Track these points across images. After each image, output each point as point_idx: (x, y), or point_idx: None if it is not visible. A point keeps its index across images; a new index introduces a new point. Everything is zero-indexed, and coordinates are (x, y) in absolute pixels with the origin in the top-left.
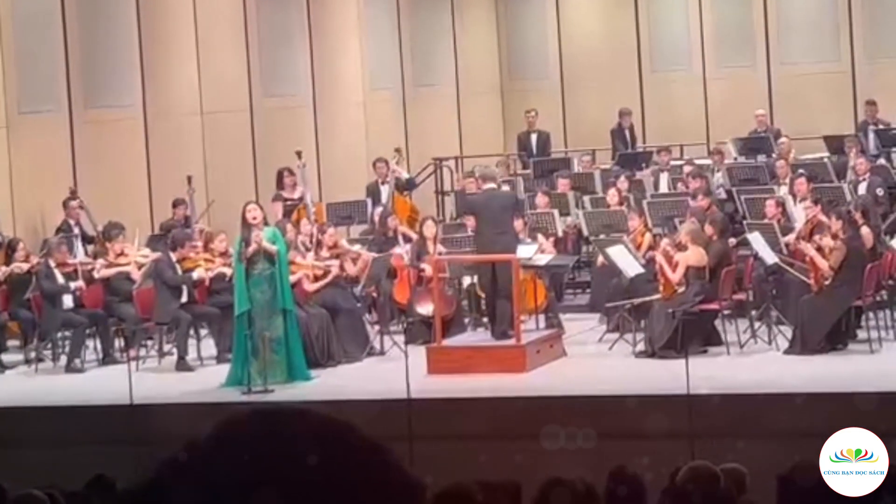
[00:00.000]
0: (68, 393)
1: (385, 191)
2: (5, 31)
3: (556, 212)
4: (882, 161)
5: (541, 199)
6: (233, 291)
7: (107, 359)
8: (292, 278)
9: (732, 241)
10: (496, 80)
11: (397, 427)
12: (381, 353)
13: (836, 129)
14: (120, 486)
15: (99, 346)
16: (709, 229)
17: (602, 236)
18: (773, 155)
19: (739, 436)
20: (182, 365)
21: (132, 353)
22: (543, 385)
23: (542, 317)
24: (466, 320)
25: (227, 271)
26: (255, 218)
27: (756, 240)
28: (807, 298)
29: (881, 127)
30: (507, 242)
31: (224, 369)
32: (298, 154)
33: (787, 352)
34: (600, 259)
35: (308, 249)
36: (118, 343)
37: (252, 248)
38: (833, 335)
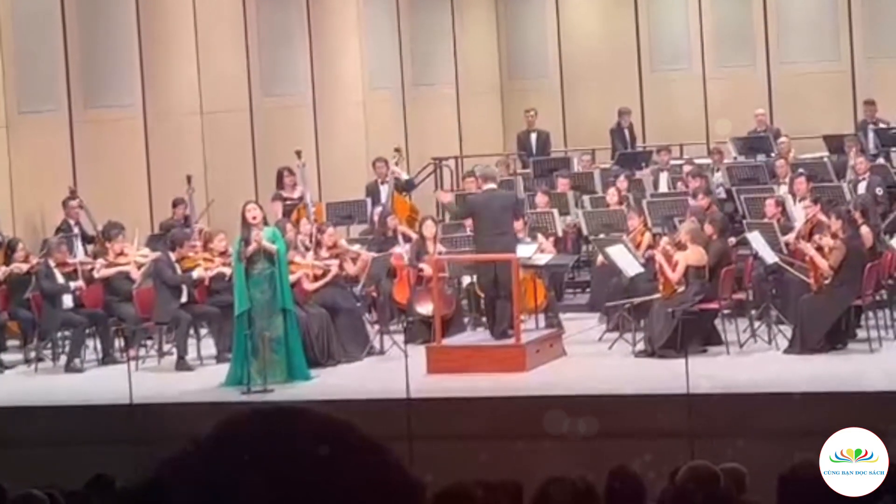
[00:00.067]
0: (68, 393)
1: (385, 190)
2: (5, 31)
3: (555, 211)
4: (881, 160)
5: (540, 199)
6: (232, 291)
7: (106, 358)
8: (292, 278)
9: (732, 240)
10: (496, 79)
11: (397, 427)
12: (381, 352)
13: (835, 128)
14: (119, 486)
15: (99, 346)
16: (708, 229)
17: (602, 236)
18: (773, 154)
19: (739, 435)
20: (182, 364)
21: (132, 352)
22: (543, 384)
23: (541, 316)
24: (466, 320)
25: (227, 271)
26: (254, 217)
27: (756, 239)
28: (806, 298)
29: (881, 126)
30: (507, 243)
31: (224, 369)
32: (298, 154)
33: (786, 351)
34: (600, 258)
35: (308, 249)
36: (118, 343)
37: (252, 247)
38: (833, 334)
